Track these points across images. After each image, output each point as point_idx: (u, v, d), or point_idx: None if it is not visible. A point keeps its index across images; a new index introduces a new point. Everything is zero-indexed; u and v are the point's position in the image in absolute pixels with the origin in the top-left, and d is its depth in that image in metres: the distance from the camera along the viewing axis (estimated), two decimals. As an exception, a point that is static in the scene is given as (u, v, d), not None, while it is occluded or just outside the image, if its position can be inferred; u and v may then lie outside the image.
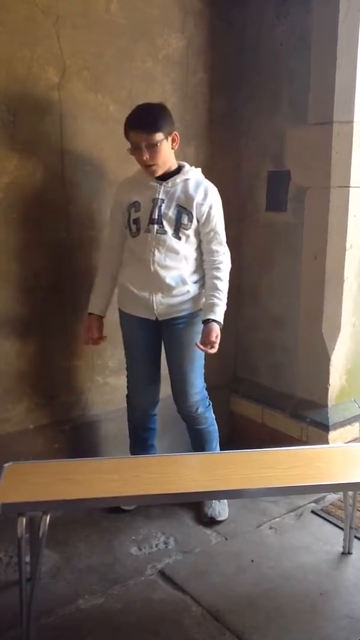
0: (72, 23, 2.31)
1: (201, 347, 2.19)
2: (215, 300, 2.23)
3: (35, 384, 2.50)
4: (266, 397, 2.99)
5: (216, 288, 2.24)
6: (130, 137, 2.15)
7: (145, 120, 2.13)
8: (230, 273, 2.32)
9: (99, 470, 1.94)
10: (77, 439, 2.61)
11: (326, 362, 2.72)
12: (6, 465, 1.90)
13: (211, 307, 2.23)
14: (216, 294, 2.24)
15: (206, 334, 2.19)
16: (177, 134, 2.21)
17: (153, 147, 2.12)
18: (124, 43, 2.46)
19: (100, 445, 2.68)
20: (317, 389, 2.78)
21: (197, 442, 2.51)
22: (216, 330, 2.19)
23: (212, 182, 2.30)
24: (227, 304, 2.27)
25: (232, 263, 2.33)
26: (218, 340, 2.20)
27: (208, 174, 2.36)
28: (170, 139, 2.18)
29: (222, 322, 2.22)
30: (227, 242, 2.32)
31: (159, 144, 2.13)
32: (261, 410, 2.98)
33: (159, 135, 2.12)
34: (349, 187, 2.56)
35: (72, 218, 2.47)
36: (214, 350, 2.20)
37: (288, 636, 1.80)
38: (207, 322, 2.21)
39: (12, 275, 2.37)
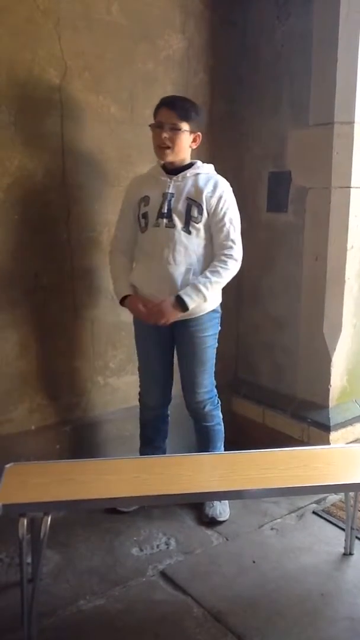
0: (73, 24, 2.32)
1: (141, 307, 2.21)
2: (198, 286, 2.16)
3: (36, 385, 2.50)
4: (267, 397, 2.98)
5: (206, 277, 2.18)
6: (158, 114, 2.20)
7: (180, 104, 2.20)
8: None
9: (100, 471, 1.94)
10: (78, 440, 2.61)
11: (327, 362, 2.72)
12: (7, 466, 1.90)
13: (189, 289, 2.16)
14: (202, 281, 2.17)
15: (159, 304, 2.16)
16: (201, 135, 2.26)
17: (175, 130, 2.16)
18: (124, 44, 2.47)
19: (102, 446, 2.68)
20: (318, 390, 2.78)
21: (202, 440, 2.50)
22: (167, 308, 2.16)
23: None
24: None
25: None
26: (160, 319, 2.17)
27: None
28: (192, 136, 2.23)
29: (188, 308, 2.16)
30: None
31: (181, 131, 2.17)
32: (262, 411, 2.98)
33: (185, 125, 2.18)
34: (350, 187, 2.56)
35: (73, 219, 2.47)
36: (148, 320, 2.21)
37: (289, 638, 1.80)
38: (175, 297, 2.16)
39: (13, 276, 2.37)
